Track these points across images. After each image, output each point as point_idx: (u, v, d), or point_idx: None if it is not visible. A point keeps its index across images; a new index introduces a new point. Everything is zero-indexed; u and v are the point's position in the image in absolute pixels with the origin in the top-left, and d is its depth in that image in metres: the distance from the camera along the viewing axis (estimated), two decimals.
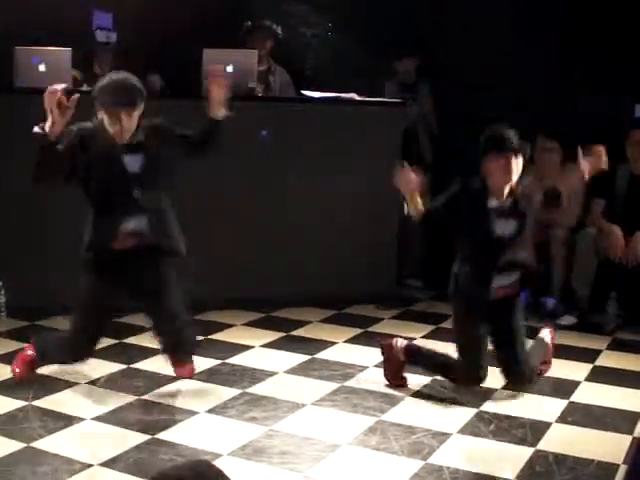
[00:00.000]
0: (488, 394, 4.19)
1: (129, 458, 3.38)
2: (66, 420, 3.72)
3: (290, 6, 6.83)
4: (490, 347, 4.18)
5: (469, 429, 3.79)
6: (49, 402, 3.92)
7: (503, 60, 6.29)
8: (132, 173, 3.89)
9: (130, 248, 3.89)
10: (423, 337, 5.14)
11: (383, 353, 4.35)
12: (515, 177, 4.03)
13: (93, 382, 4.23)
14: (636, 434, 3.77)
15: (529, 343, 4.31)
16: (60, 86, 3.69)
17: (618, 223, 5.49)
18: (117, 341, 4.78)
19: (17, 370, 4.12)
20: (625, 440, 3.70)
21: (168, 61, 6.19)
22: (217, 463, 3.32)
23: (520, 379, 4.18)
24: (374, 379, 4.38)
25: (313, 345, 4.94)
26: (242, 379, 4.34)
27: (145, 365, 4.45)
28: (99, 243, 3.89)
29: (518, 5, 6.34)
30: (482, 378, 4.11)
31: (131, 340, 4.84)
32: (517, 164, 4.02)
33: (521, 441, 3.67)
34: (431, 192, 6.52)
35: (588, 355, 4.89)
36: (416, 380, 4.35)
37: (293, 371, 4.50)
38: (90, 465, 3.31)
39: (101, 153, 3.85)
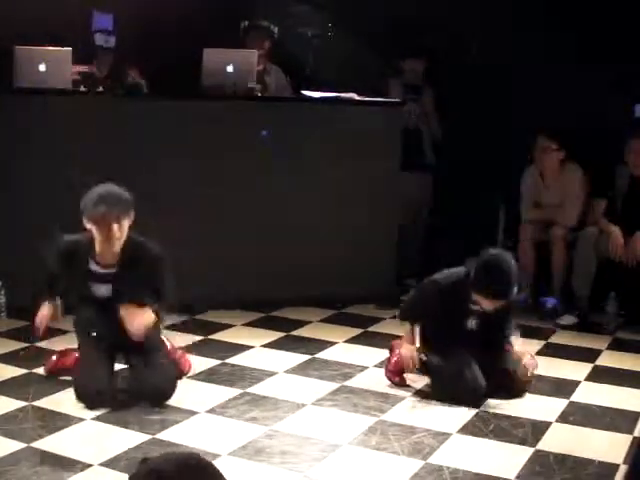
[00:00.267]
0: (488, 394, 4.18)
1: (129, 458, 3.38)
2: (66, 420, 3.72)
3: (290, 6, 6.82)
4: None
5: (469, 429, 3.79)
6: (49, 402, 3.92)
7: (503, 61, 6.29)
8: (101, 297, 3.99)
9: None
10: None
11: (392, 350, 4.34)
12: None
13: None
14: (636, 434, 3.77)
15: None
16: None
17: (618, 223, 5.49)
18: None
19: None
20: (625, 440, 3.70)
21: (168, 61, 6.19)
22: (217, 463, 3.32)
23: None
24: (374, 379, 4.38)
25: (313, 345, 4.94)
26: (242, 379, 4.33)
27: None
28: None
29: (518, 5, 6.34)
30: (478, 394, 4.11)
31: None
32: (496, 305, 4.06)
33: (521, 441, 3.67)
34: (432, 193, 6.57)
35: (588, 355, 4.89)
36: (416, 380, 4.34)
37: (293, 371, 4.50)
38: (90, 465, 3.31)
39: (77, 274, 3.98)
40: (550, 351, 4.94)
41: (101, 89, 5.78)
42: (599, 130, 5.73)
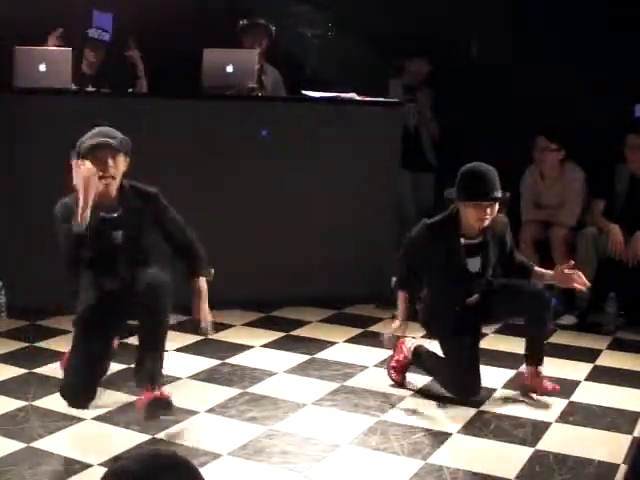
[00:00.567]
0: (488, 394, 4.19)
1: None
2: (66, 420, 3.72)
3: (290, 6, 6.82)
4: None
5: (469, 429, 3.79)
6: (49, 402, 3.92)
7: (503, 61, 6.29)
8: (117, 244, 3.82)
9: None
10: (423, 337, 5.13)
11: (397, 348, 4.33)
12: (488, 221, 4.00)
13: None
14: (636, 434, 3.77)
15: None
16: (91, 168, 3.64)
17: (618, 223, 5.49)
18: (116, 341, 4.77)
19: None
20: (625, 440, 3.70)
21: (168, 61, 6.19)
22: (217, 463, 3.34)
23: None
24: (374, 379, 4.38)
25: (313, 345, 4.94)
26: (242, 379, 4.34)
27: None
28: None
29: (518, 5, 6.34)
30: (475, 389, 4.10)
31: (131, 340, 4.83)
32: (493, 210, 3.99)
33: (521, 441, 3.67)
34: (433, 193, 6.57)
35: (588, 355, 4.89)
36: (416, 380, 4.35)
37: (293, 371, 4.50)
38: (90, 465, 3.31)
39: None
40: (550, 351, 4.92)
41: (91, 88, 5.75)
42: (599, 130, 5.73)
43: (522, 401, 4.12)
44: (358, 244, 5.77)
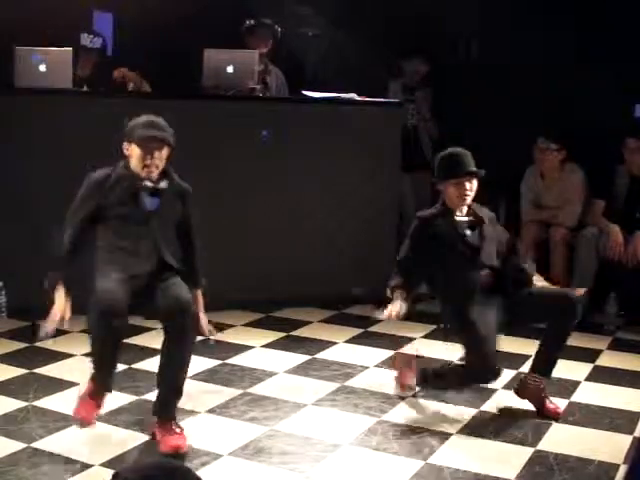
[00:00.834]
0: (488, 394, 4.19)
1: (129, 458, 3.38)
2: (66, 420, 3.72)
3: (290, 6, 6.83)
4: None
5: (469, 429, 3.79)
6: (49, 402, 3.92)
7: (502, 61, 6.30)
8: (149, 211, 3.74)
9: None
10: (423, 337, 5.14)
11: (395, 364, 4.28)
12: (470, 198, 4.06)
13: None
14: (636, 434, 3.77)
15: None
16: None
17: (618, 223, 5.50)
18: None
19: None
20: (625, 440, 3.70)
21: (168, 61, 6.20)
22: (218, 463, 3.35)
23: None
24: (374, 379, 4.39)
25: (313, 345, 4.94)
26: (242, 379, 4.34)
27: (145, 365, 4.45)
28: None
29: (518, 5, 6.34)
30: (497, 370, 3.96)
31: (131, 340, 4.83)
32: (473, 186, 4.05)
33: (521, 441, 3.67)
34: (433, 193, 6.57)
35: (588, 355, 4.89)
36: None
37: (293, 371, 4.50)
38: (90, 465, 3.31)
39: (122, 194, 3.71)
40: None
41: (86, 89, 5.74)
42: (599, 130, 5.73)
43: (522, 401, 4.11)
44: (358, 244, 5.77)
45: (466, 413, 3.96)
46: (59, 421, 3.71)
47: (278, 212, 5.64)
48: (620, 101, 5.91)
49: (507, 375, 4.46)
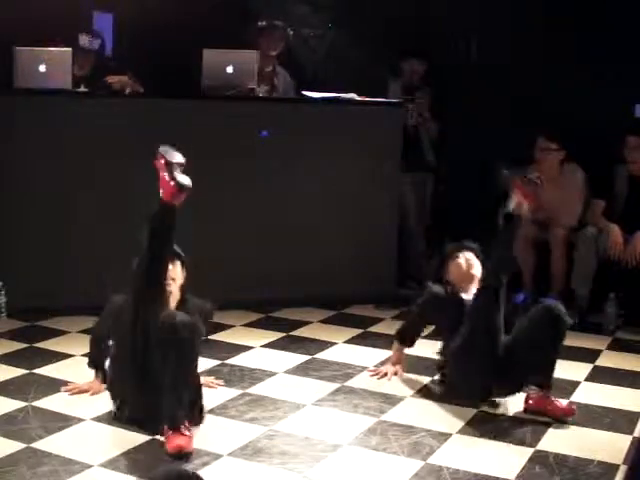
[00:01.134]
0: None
1: (129, 458, 3.38)
2: (66, 420, 3.72)
3: (290, 6, 6.83)
4: None
5: (469, 429, 3.79)
6: (49, 402, 3.92)
7: (502, 61, 6.30)
8: None
9: None
10: (423, 338, 5.13)
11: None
12: (478, 275, 4.21)
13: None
14: (636, 434, 3.77)
15: None
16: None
17: (618, 223, 5.50)
18: None
19: None
20: (625, 440, 3.70)
21: (168, 61, 6.20)
22: (217, 463, 3.34)
23: None
24: (374, 379, 4.39)
25: (313, 345, 4.94)
26: (242, 379, 4.34)
27: None
28: None
29: (518, 5, 6.34)
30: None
31: None
32: (474, 262, 4.27)
33: (521, 441, 3.67)
34: (432, 192, 6.58)
35: (588, 355, 4.89)
36: (416, 380, 4.35)
37: (293, 371, 4.50)
38: (90, 465, 3.31)
39: None
40: None
41: (83, 88, 5.74)
42: (599, 130, 5.73)
43: (522, 401, 4.11)
44: (358, 244, 5.78)
45: (466, 413, 3.96)
46: (59, 421, 3.71)
47: (278, 212, 5.64)
48: (620, 101, 5.91)
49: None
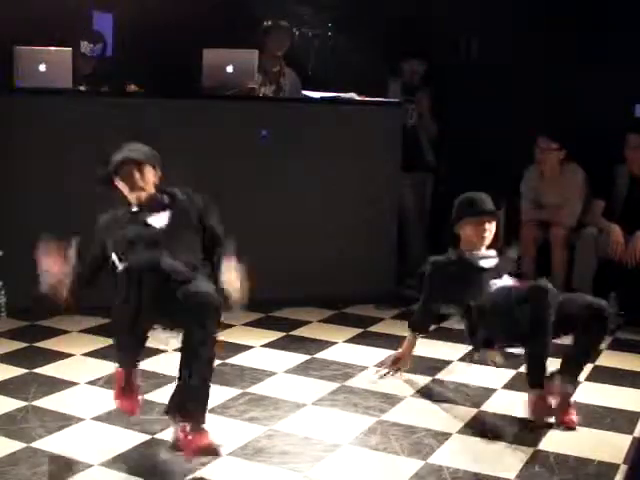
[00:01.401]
0: (488, 394, 4.19)
1: (129, 458, 3.38)
2: (66, 420, 3.72)
3: (291, 6, 6.83)
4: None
5: (469, 429, 3.79)
6: (49, 402, 3.92)
7: (503, 61, 6.30)
8: (158, 229, 3.68)
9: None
10: (423, 337, 5.13)
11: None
12: (488, 240, 4.10)
13: (93, 382, 4.23)
14: (636, 434, 3.77)
15: None
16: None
17: (618, 223, 5.50)
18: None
19: None
20: (625, 440, 3.70)
21: (168, 61, 6.20)
22: (217, 463, 3.34)
23: None
24: (374, 379, 4.39)
25: (313, 345, 4.94)
26: (242, 379, 4.34)
27: (145, 365, 4.42)
28: None
29: (518, 5, 6.34)
30: None
31: None
32: (492, 227, 4.10)
33: (521, 441, 3.66)
34: (434, 195, 6.58)
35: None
36: (416, 380, 4.35)
37: (293, 371, 4.50)
38: (90, 465, 3.31)
39: (122, 227, 3.67)
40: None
41: (84, 88, 5.75)
42: (599, 130, 5.73)
43: (522, 401, 4.11)
44: (358, 244, 5.77)
45: (466, 413, 3.96)
46: (59, 421, 3.71)
47: (278, 212, 5.64)
48: (620, 101, 5.91)
49: (507, 375, 4.46)
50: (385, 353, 4.76)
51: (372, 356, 4.74)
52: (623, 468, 3.40)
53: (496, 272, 4.06)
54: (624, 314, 5.48)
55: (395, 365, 4.38)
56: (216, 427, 3.71)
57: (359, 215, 5.79)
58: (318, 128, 5.68)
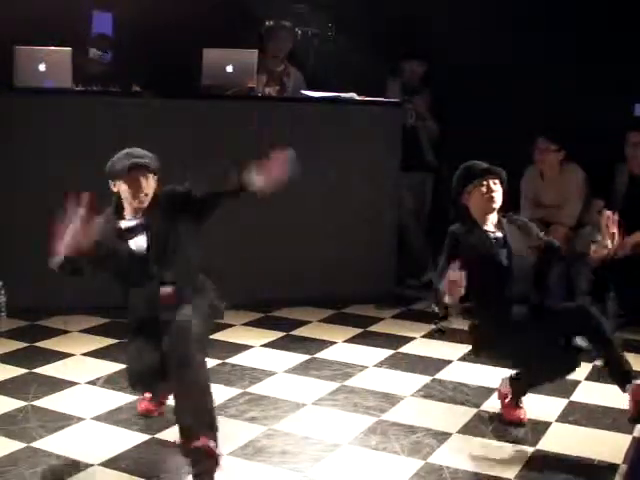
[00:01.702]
0: (488, 394, 4.19)
1: (129, 458, 3.38)
2: (66, 420, 3.72)
3: (290, 6, 6.83)
4: None
5: (469, 429, 3.79)
6: (49, 402, 3.92)
7: (503, 61, 6.29)
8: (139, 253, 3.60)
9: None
10: (423, 337, 5.14)
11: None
12: (498, 203, 3.89)
13: (93, 382, 4.23)
14: (636, 434, 3.77)
15: None
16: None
17: (617, 222, 5.48)
18: (117, 341, 4.78)
19: None
20: (625, 440, 3.70)
21: (168, 61, 6.20)
22: None
23: None
24: (374, 379, 4.39)
25: (313, 345, 4.94)
26: (242, 379, 4.34)
27: None
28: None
29: (518, 6, 6.34)
30: None
31: None
32: (497, 187, 3.89)
33: (521, 441, 3.67)
34: (433, 192, 6.58)
35: (588, 355, 4.88)
36: (416, 380, 4.35)
37: (293, 371, 4.50)
38: (90, 465, 3.31)
39: (111, 244, 3.59)
40: None
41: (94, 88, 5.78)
42: (599, 130, 5.73)
43: (522, 401, 4.12)
44: (358, 244, 5.77)
45: (466, 413, 3.96)
46: (59, 421, 3.71)
47: (278, 212, 5.63)
48: (620, 101, 5.91)
49: (507, 375, 4.46)
50: (385, 353, 4.77)
51: (372, 356, 4.74)
52: (623, 468, 3.40)
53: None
54: (624, 314, 5.47)
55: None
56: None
57: (359, 215, 5.79)
58: (318, 128, 5.68)
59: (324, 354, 4.79)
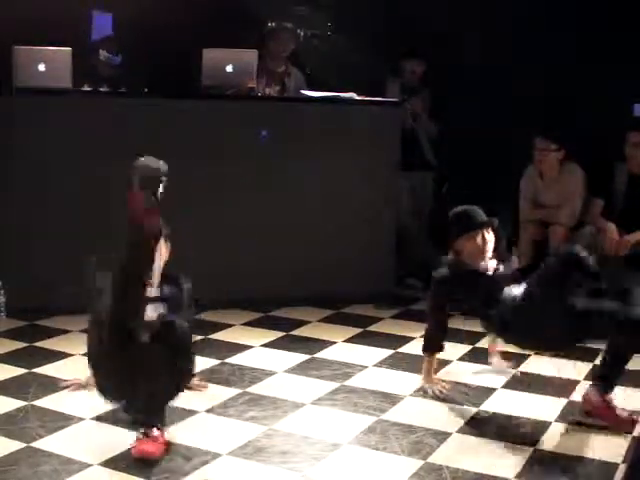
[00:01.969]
0: (488, 393, 4.19)
1: (129, 458, 3.38)
2: (66, 420, 3.72)
3: (290, 6, 6.83)
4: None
5: (469, 429, 3.79)
6: (49, 402, 3.92)
7: (503, 61, 6.30)
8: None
9: None
10: (421, 337, 5.13)
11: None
12: (490, 251, 4.06)
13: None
14: (636, 434, 3.77)
15: None
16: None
17: (616, 221, 5.49)
18: None
19: None
20: (625, 440, 3.70)
21: (168, 61, 6.20)
22: (217, 463, 3.35)
23: None
24: (374, 379, 4.39)
25: (313, 345, 4.94)
26: (242, 379, 4.34)
27: None
28: None
29: (518, 6, 6.35)
30: None
31: None
32: (491, 237, 4.07)
33: (521, 441, 3.66)
34: (432, 192, 6.58)
35: (588, 355, 4.88)
36: (416, 380, 4.35)
37: (293, 371, 4.50)
38: (90, 465, 3.31)
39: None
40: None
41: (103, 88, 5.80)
42: (599, 130, 5.74)
43: (522, 401, 4.12)
44: (358, 244, 5.78)
45: (466, 413, 3.96)
46: (59, 421, 3.71)
47: (278, 212, 5.64)
48: (620, 101, 5.91)
49: (507, 375, 4.46)
50: (384, 353, 4.77)
51: (371, 355, 4.74)
52: (622, 467, 3.40)
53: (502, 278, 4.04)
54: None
55: (441, 388, 4.18)
56: (216, 427, 3.73)
57: (359, 215, 5.79)
58: (318, 128, 5.68)
59: (324, 354, 4.79)
